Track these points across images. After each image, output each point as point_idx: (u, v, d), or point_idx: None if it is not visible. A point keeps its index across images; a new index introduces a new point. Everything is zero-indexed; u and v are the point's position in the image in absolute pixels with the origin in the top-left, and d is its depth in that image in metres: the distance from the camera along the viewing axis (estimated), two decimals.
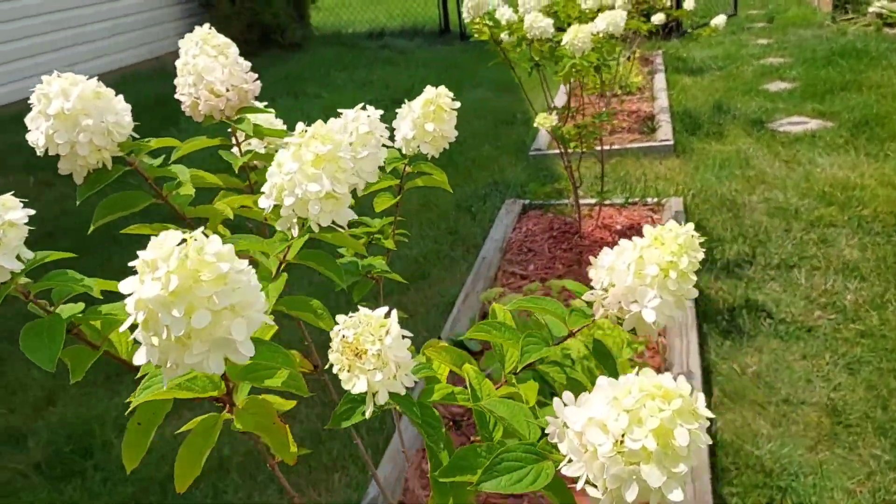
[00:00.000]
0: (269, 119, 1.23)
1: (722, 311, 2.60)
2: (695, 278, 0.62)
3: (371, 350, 0.57)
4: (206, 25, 0.95)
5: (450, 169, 4.42)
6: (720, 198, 3.54)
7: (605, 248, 0.67)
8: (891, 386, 2.12)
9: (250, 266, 0.55)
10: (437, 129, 1.05)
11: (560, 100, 4.94)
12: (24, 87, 6.65)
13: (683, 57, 6.76)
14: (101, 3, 7.64)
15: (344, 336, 0.59)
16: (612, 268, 0.64)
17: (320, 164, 0.72)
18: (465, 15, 2.63)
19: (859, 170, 3.66)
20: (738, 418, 2.06)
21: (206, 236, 0.83)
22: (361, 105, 0.93)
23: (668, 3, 4.71)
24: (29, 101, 0.78)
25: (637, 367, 1.65)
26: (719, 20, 4.59)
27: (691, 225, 0.65)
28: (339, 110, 0.96)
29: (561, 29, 2.77)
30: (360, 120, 0.89)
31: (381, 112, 0.94)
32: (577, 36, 2.26)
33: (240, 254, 0.85)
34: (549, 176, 4.06)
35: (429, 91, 1.06)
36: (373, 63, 7.88)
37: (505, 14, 2.68)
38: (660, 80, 5.80)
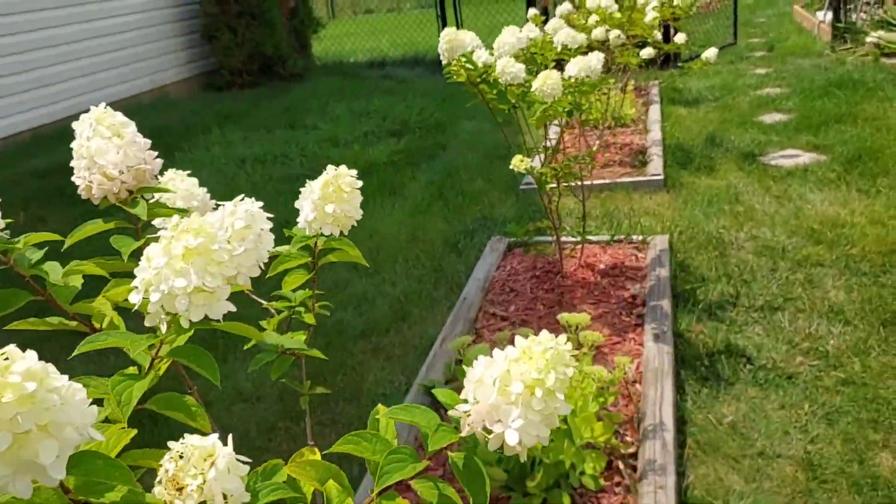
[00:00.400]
0: (190, 188, 1.20)
1: (701, 355, 2.55)
2: (562, 396, 0.59)
3: (192, 485, 0.55)
4: (102, 105, 0.93)
5: (440, 203, 4.41)
6: (707, 235, 3.50)
7: (481, 357, 0.64)
8: (868, 438, 2.06)
9: (73, 382, 0.53)
10: (339, 210, 1.02)
11: (554, 133, 4.93)
12: (26, 119, 6.73)
13: (680, 88, 6.75)
14: (104, 36, 7.74)
15: (167, 469, 0.56)
16: (480, 381, 0.61)
17: (191, 258, 0.70)
18: (441, 58, 2.62)
19: (850, 206, 3.62)
20: (710, 472, 2.00)
21: (90, 330, 0.80)
22: (240, 196, 0.90)
23: (659, 37, 4.71)
24: None
25: (603, 422, 1.59)
26: (710, 53, 4.58)
27: (563, 337, 0.61)
28: (219, 203, 0.92)
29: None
30: (236, 214, 0.85)
31: (261, 204, 0.90)
32: (545, 83, 2.24)
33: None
34: (538, 212, 4.03)
35: (329, 170, 1.04)
36: (372, 93, 7.92)
37: (481, 57, 2.67)
38: (654, 112, 5.79)
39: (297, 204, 1.06)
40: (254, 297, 1.21)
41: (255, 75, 8.77)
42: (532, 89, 2.32)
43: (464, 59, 2.62)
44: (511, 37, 2.54)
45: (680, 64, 7.29)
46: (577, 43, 2.74)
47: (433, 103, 7.22)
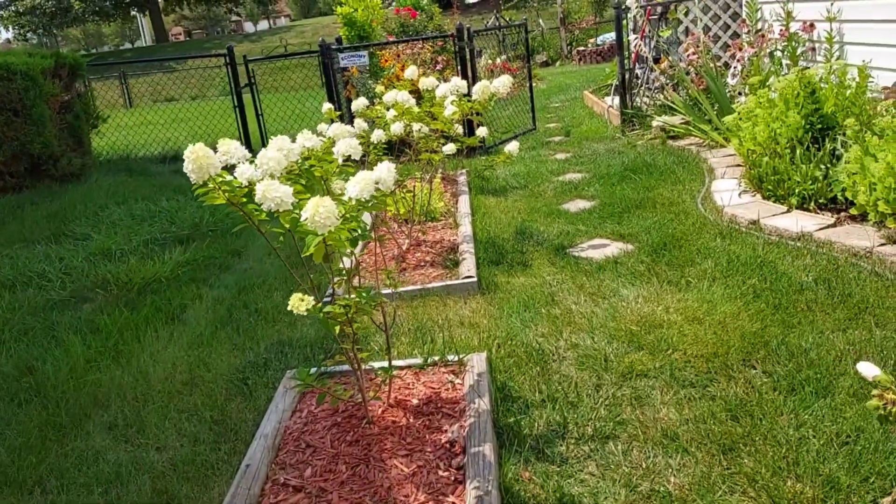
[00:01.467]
0: None
1: None
2: None
3: None
4: None
5: (228, 327, 3.79)
6: (526, 347, 3.18)
7: None
8: None
9: None
10: None
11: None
12: None
13: (487, 176, 6.67)
14: None
15: None
16: None
17: None
18: (191, 178, 2.11)
19: (664, 302, 3.48)
20: None
21: None
22: None
23: (460, 130, 4.51)
24: None
25: None
26: (512, 147, 4.43)
27: None
28: None
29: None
30: None
31: None
32: (317, 212, 1.79)
33: None
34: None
35: None
36: (160, 192, 7.15)
37: (246, 172, 2.19)
38: (464, 204, 5.59)
39: None
40: None
41: (20, 177, 7.67)
42: (302, 219, 1.86)
43: (220, 179, 2.12)
44: (275, 151, 2.07)
45: (483, 157, 7.26)
46: (359, 153, 2.33)
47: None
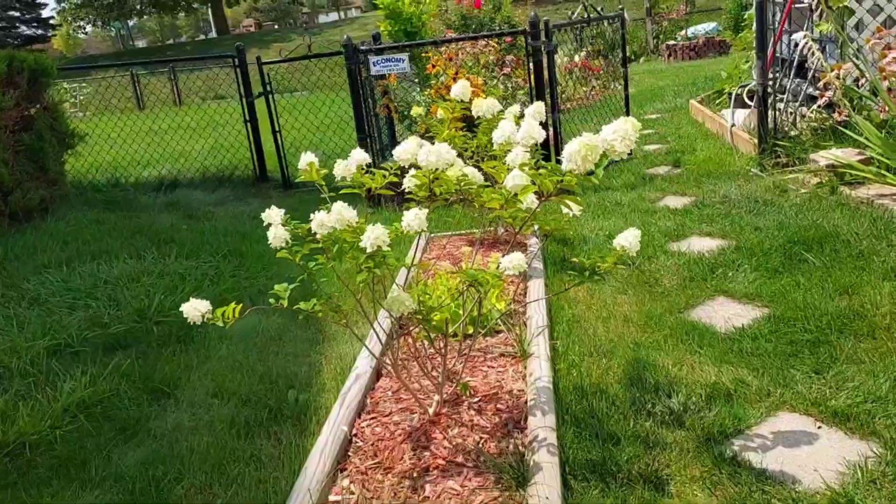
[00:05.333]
0: None
1: None
2: None
3: None
4: None
5: None
6: None
7: None
8: None
9: None
10: None
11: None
12: None
13: (570, 237, 4.59)
14: None
15: None
16: None
17: None
18: None
19: None
20: None
21: None
22: None
23: (533, 199, 2.47)
24: None
25: None
26: (629, 240, 2.37)
27: None
28: None
29: None
30: None
31: None
32: None
33: None
34: None
35: None
36: (129, 241, 5.35)
37: None
38: (536, 303, 3.52)
39: None
40: None
41: None
42: None
43: None
44: None
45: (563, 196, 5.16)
46: None
47: (209, 265, 4.74)
